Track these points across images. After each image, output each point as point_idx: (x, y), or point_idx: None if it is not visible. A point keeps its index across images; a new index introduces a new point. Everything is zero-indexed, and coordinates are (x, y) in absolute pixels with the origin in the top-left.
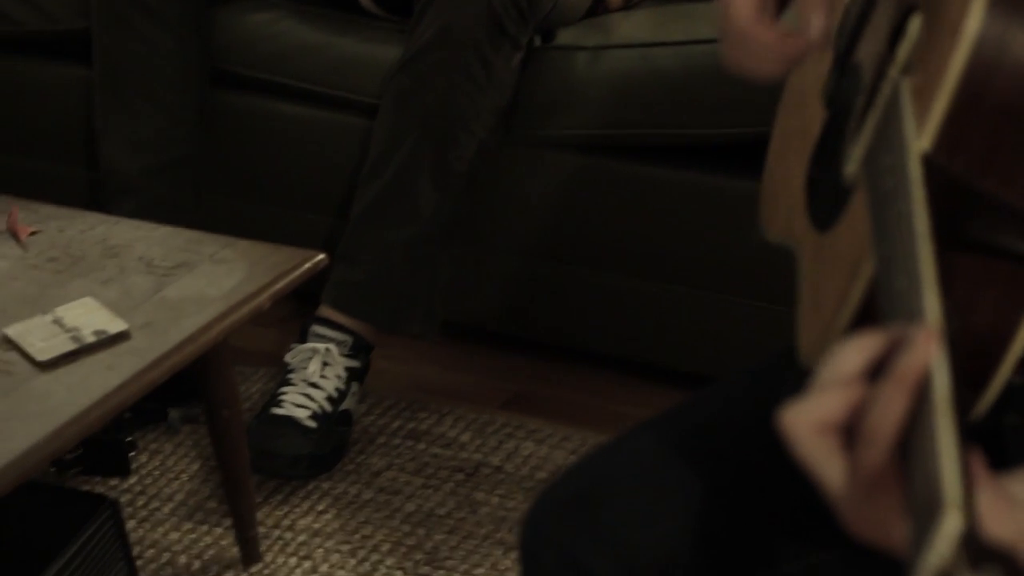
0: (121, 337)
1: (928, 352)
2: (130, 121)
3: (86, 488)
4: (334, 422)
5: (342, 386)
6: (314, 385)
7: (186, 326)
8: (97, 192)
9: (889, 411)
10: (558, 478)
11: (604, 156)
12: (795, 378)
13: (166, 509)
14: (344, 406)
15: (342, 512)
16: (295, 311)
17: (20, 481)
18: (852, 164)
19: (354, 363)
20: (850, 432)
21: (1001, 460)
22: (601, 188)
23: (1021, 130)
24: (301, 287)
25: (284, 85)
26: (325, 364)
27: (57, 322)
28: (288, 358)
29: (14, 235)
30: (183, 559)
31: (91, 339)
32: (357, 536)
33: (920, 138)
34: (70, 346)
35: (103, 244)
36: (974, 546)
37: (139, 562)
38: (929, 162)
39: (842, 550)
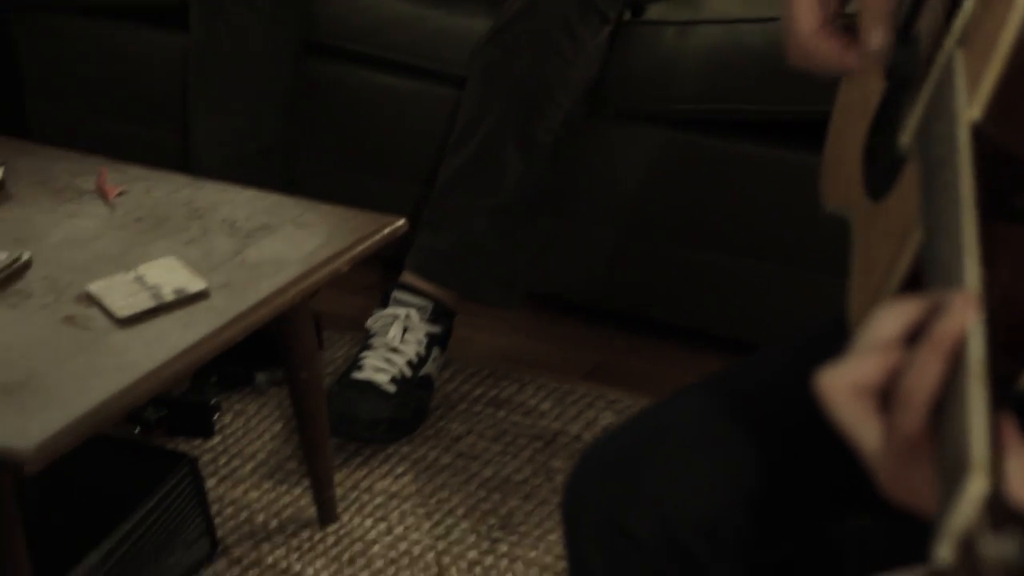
0: (200, 296)
1: (965, 317)
2: (218, 113)
3: (170, 448)
4: (414, 387)
5: (422, 351)
6: (394, 350)
7: (263, 287)
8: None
9: (925, 375)
10: (602, 439)
11: (691, 131)
12: (845, 346)
13: (247, 469)
14: (424, 371)
15: (419, 476)
16: (382, 277)
17: (93, 433)
18: (907, 134)
19: (435, 329)
20: (887, 396)
21: None
22: (687, 163)
23: None
24: (387, 254)
25: (376, 56)
26: (406, 329)
27: (138, 280)
28: (370, 323)
29: (102, 195)
30: (261, 517)
31: (170, 297)
32: (433, 500)
33: (971, 107)
34: (149, 303)
35: (188, 206)
36: (998, 509)
37: (218, 519)
38: (979, 131)
39: (885, 516)
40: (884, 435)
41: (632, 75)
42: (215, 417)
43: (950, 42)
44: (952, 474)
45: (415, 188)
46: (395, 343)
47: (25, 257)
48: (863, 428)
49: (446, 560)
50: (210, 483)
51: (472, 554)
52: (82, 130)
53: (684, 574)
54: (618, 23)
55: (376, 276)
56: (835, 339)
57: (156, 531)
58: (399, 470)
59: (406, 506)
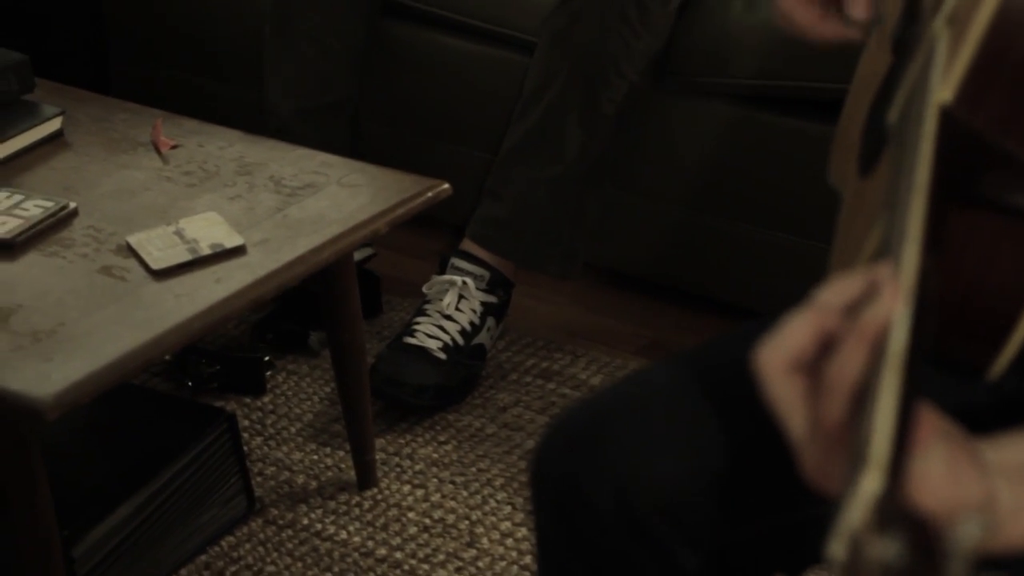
0: (236, 252)
1: (891, 307)
2: (293, 63)
3: (219, 404)
4: (465, 355)
5: (476, 320)
6: (448, 317)
7: (300, 245)
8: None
9: (849, 362)
10: (572, 408)
11: (755, 107)
12: None
13: (293, 429)
14: (477, 340)
15: (462, 444)
16: (450, 244)
17: (117, 384)
18: (894, 112)
19: (491, 298)
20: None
21: None
22: (750, 139)
23: None
24: (455, 219)
25: (447, 19)
26: (461, 297)
27: (178, 233)
28: (425, 289)
29: (156, 147)
30: (301, 478)
31: (207, 251)
32: (473, 469)
33: (943, 89)
34: (185, 257)
35: (238, 161)
36: (889, 509)
37: (258, 478)
38: (949, 115)
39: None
40: (811, 420)
41: (697, 48)
42: (267, 375)
43: (940, 20)
44: (853, 469)
45: (481, 155)
46: (449, 310)
47: (72, 206)
48: (792, 411)
49: (479, 530)
50: (255, 441)
51: (505, 525)
52: (160, 84)
53: (645, 553)
54: None
55: (444, 241)
56: None
57: (190, 488)
58: (442, 437)
59: (445, 474)
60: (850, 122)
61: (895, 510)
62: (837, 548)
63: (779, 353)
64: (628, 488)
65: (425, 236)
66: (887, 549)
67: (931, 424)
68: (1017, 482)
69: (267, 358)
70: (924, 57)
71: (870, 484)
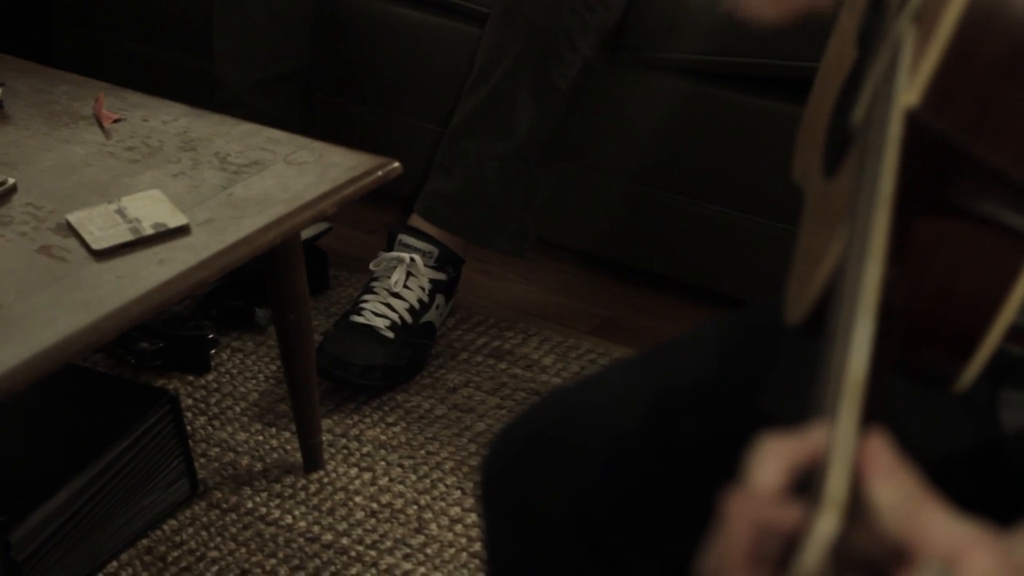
0: (180, 232)
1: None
2: (244, 33)
3: (162, 382)
4: (414, 334)
5: (425, 298)
6: (396, 295)
7: (245, 226)
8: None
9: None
10: (523, 412)
11: (710, 84)
12: (776, 343)
13: (237, 409)
14: (426, 318)
15: (411, 426)
16: (400, 218)
17: (56, 368)
18: (859, 110)
19: (440, 275)
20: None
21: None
22: (704, 116)
23: (1014, 91)
24: (405, 193)
25: None
26: (409, 274)
27: (120, 212)
28: (373, 266)
29: (98, 121)
30: (246, 460)
31: (149, 231)
32: (422, 452)
33: (909, 92)
34: (127, 237)
35: (183, 136)
36: (846, 553)
37: (202, 460)
38: (915, 119)
39: None
40: None
41: (652, 23)
42: (211, 352)
43: (906, 16)
44: (810, 507)
45: (432, 128)
46: (397, 288)
47: (10, 182)
48: None
49: (428, 515)
50: (199, 422)
51: (455, 511)
52: (105, 53)
53: (594, 561)
54: None
55: (393, 215)
56: (769, 332)
57: (131, 471)
58: (390, 419)
59: (393, 456)
60: (816, 114)
61: (853, 553)
62: None
63: (719, 566)
64: (580, 498)
65: (374, 210)
66: None
67: (885, 453)
68: None
69: (212, 335)
70: (889, 55)
71: (825, 525)
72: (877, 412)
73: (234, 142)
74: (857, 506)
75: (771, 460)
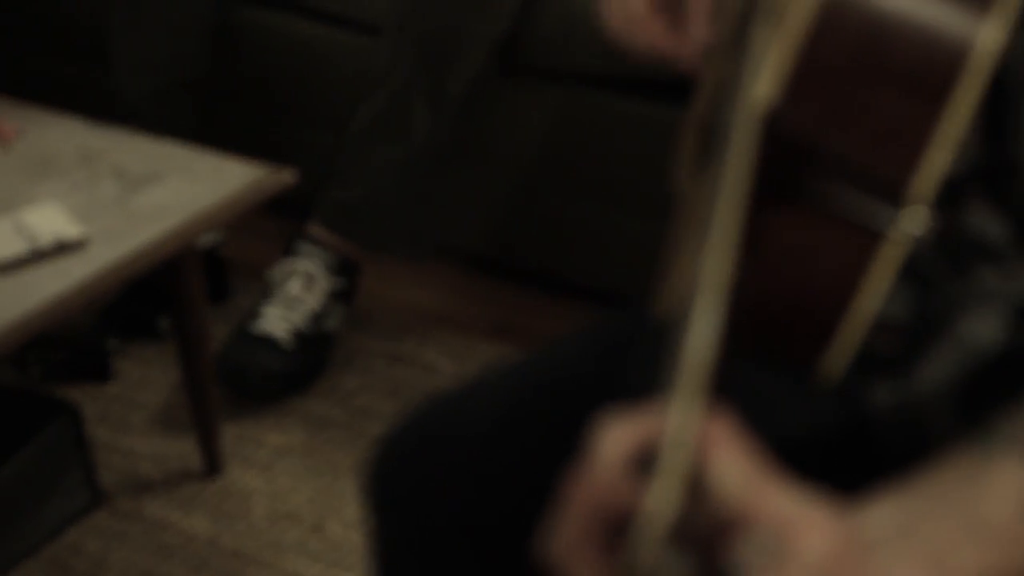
0: (77, 245)
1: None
2: (141, 44)
3: (64, 391)
4: (312, 341)
5: (323, 304)
6: (294, 302)
7: (142, 238)
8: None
9: None
10: (407, 416)
11: (603, 90)
12: (646, 346)
13: (138, 417)
14: (324, 325)
15: (309, 431)
16: (298, 226)
17: None
18: (724, 109)
19: (338, 282)
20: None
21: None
22: (595, 122)
23: (864, 85)
24: (304, 201)
25: (294, 1)
26: (307, 282)
27: (17, 225)
28: (271, 274)
29: None
30: (147, 467)
31: (46, 245)
32: (321, 456)
33: (762, 86)
34: (24, 250)
35: (80, 149)
36: (683, 525)
37: (104, 468)
38: (767, 113)
39: None
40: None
41: (545, 31)
42: (113, 360)
43: (763, 14)
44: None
45: (331, 137)
46: (295, 295)
47: None
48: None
49: (327, 518)
50: (100, 430)
51: (354, 513)
52: (3, 65)
53: (482, 560)
54: None
55: (292, 223)
56: (635, 339)
57: (32, 480)
58: (289, 424)
59: (293, 461)
60: (693, 117)
61: (691, 529)
62: (628, 564)
63: (562, 544)
64: (465, 496)
65: (273, 218)
66: (675, 569)
67: (726, 432)
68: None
69: (113, 343)
70: (747, 50)
71: (661, 502)
72: (722, 393)
73: (131, 154)
74: (696, 483)
75: (613, 439)
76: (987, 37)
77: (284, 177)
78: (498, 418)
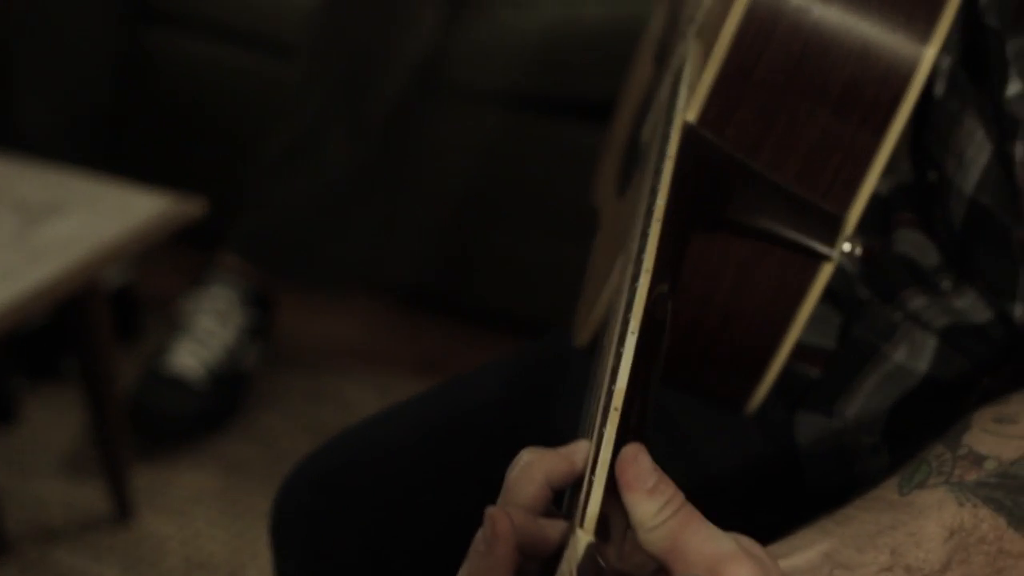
0: None
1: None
2: (41, 75)
3: None
4: (226, 378)
5: (238, 339)
6: (206, 336)
7: (44, 274)
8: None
9: None
10: (314, 452)
11: (529, 113)
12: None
13: (45, 460)
14: (239, 360)
15: (225, 472)
16: (211, 257)
17: None
18: (647, 128)
19: (253, 315)
20: None
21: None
22: (520, 146)
23: (793, 106)
24: (219, 231)
25: (207, 25)
26: (220, 314)
27: None
28: (182, 308)
29: None
30: (55, 513)
31: None
32: (236, 498)
33: (689, 107)
34: None
35: None
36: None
37: (9, 515)
38: (695, 133)
39: None
40: None
41: (467, 54)
42: (15, 402)
43: (691, 31)
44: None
45: (242, 165)
46: (207, 328)
47: None
48: None
49: (244, 563)
50: (4, 475)
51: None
52: None
53: None
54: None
55: (204, 254)
56: (561, 357)
57: None
58: (204, 465)
59: (207, 504)
60: (615, 135)
61: (611, 570)
62: None
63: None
64: (372, 533)
65: (184, 250)
66: None
67: (644, 469)
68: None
69: (17, 383)
70: (675, 71)
71: (580, 543)
72: (640, 428)
73: (32, 184)
74: (615, 523)
75: (528, 476)
76: (930, 59)
77: (192, 208)
78: (408, 447)
